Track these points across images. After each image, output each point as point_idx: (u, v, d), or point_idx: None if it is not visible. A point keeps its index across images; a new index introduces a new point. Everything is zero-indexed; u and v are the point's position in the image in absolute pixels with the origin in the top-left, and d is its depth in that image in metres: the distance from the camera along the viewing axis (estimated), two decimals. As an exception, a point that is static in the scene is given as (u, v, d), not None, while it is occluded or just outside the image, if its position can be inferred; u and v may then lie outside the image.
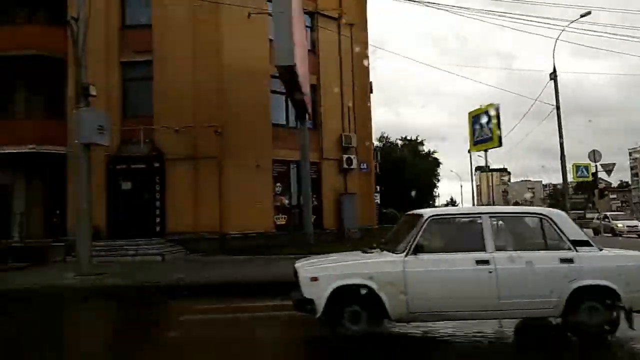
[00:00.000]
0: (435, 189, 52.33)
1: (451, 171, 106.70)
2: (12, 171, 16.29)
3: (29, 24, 16.13)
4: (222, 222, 15.18)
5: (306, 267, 5.18)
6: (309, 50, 18.27)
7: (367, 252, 5.61)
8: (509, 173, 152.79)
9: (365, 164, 19.42)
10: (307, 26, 18.52)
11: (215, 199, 15.21)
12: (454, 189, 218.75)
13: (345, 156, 18.51)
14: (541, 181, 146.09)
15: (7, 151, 15.05)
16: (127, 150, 15.36)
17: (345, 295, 4.86)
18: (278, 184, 17.04)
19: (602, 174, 21.34)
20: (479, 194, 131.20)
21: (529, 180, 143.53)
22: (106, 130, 10.71)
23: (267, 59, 16.84)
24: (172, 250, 13.98)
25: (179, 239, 14.76)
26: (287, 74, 10.33)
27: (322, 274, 4.98)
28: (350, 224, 18.08)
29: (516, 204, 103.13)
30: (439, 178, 53.11)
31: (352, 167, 18.57)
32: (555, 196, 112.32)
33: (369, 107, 20.28)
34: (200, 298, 8.13)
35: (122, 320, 7.42)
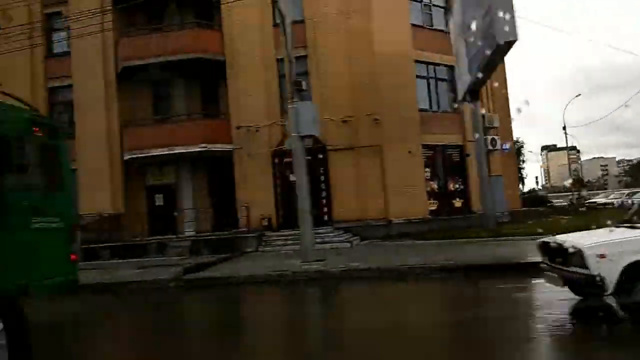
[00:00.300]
0: (522, 170, 50.42)
1: (530, 151, 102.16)
2: (176, 170, 17.29)
3: (187, 29, 16.88)
4: (386, 209, 15.36)
5: (586, 245, 5.07)
6: (442, 31, 18.07)
7: (636, 228, 5.45)
8: (579, 151, 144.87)
9: (507, 144, 18.95)
10: (441, 6, 18.31)
11: (379, 186, 15.41)
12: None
13: (488, 137, 18.12)
14: (615, 157, 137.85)
15: (179, 151, 15.95)
16: (289, 143, 15.82)
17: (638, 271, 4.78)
18: (427, 169, 17.00)
19: None
20: (547, 174, 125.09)
21: (602, 157, 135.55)
22: (316, 122, 11.07)
23: (410, 44, 16.82)
24: (348, 238, 14.29)
25: (346, 227, 15.10)
26: (504, 52, 10.16)
27: (610, 251, 4.93)
28: (499, 206, 17.70)
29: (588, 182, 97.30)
30: (524, 159, 51.08)
31: (495, 148, 18.17)
32: (633, 172, 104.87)
33: (506, 84, 19.75)
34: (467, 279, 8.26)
35: (464, 297, 7.45)
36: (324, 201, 15.58)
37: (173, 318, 7.25)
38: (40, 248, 7.52)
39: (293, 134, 11.03)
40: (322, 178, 15.65)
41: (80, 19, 16.06)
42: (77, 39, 16.36)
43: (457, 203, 17.75)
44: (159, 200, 17.31)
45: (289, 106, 11.23)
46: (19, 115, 7.68)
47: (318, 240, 13.88)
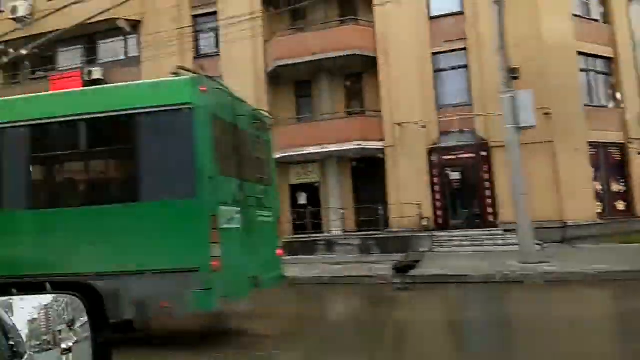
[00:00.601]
0: None
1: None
2: (321, 169, 17.09)
3: (340, 26, 16.69)
4: (559, 210, 14.35)
5: None
6: (597, 21, 16.92)
7: None
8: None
9: (673, 142, 17.31)
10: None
11: (549, 186, 14.42)
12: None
13: (657, 134, 16.64)
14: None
15: (332, 149, 15.70)
16: (447, 140, 15.23)
17: None
18: (592, 169, 15.82)
19: None
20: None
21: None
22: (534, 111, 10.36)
23: (573, 35, 15.79)
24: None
25: (514, 229, 14.18)
26: None
27: None
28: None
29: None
30: None
31: (663, 146, 16.63)
32: None
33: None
34: None
35: None
36: (489, 201, 14.78)
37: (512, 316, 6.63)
38: (263, 241, 7.29)
39: (508, 126, 10.34)
40: (487, 176, 14.87)
41: (229, 19, 16.33)
42: (225, 38, 16.66)
43: (620, 205, 16.39)
44: (302, 198, 17.18)
45: (502, 95, 10.57)
46: (247, 109, 7.58)
47: (499, 242, 13.21)
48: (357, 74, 16.96)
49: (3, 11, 19.92)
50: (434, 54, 15.63)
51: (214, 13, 17.68)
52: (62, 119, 6.31)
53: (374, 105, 16.48)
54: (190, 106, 5.94)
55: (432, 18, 15.77)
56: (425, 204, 15.05)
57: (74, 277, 6.01)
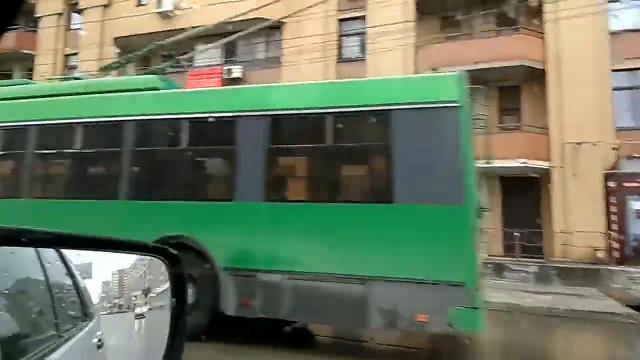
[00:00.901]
0: None
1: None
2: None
3: (504, 35, 15.77)
4: None
5: None
6: None
7: None
8: None
9: None
10: None
11: None
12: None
13: None
14: None
15: (496, 165, 14.57)
16: (630, 165, 13.79)
17: None
18: None
19: None
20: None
21: None
22: None
23: None
24: None
25: None
26: None
27: None
28: None
29: None
30: None
31: None
32: None
33: None
34: None
35: None
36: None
37: None
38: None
39: None
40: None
41: (380, 27, 15.74)
42: (374, 46, 16.09)
43: None
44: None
45: None
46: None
47: None
48: (514, 87, 15.87)
49: (145, 4, 20.24)
50: (614, 70, 14.31)
51: (362, 17, 17.22)
52: (313, 111, 5.87)
53: (533, 121, 15.33)
54: (456, 104, 5.47)
55: (612, 33, 14.49)
56: (597, 234, 13.59)
57: (312, 275, 5.46)
